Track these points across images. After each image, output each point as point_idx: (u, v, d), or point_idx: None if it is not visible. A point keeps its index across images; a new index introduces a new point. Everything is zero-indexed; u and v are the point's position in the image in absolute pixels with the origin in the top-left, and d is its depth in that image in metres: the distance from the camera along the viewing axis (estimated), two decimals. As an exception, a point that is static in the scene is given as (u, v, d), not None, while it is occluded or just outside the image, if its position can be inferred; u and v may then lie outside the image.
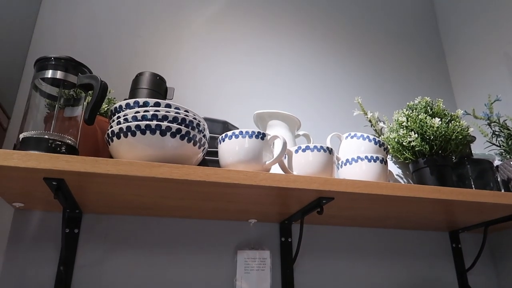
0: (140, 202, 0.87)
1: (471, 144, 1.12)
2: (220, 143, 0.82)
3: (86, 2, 1.24)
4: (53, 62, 0.74)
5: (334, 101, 1.41)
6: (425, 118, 0.98)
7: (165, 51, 1.27)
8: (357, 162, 0.89)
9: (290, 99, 1.35)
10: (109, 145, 0.74)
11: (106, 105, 0.93)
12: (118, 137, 0.72)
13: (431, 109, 1.02)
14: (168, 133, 0.71)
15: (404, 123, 1.01)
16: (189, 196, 0.83)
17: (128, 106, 0.74)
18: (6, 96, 0.98)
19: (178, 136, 0.72)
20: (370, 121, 1.18)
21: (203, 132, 0.78)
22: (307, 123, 1.21)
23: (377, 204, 0.92)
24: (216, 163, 0.86)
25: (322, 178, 0.79)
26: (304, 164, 0.84)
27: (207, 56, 1.31)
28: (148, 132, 0.70)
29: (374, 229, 1.20)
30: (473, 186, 1.02)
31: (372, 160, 0.88)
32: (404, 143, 1.00)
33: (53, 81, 0.76)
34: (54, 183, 0.69)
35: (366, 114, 1.18)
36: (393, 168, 1.10)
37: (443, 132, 0.97)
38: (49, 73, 0.73)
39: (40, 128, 0.74)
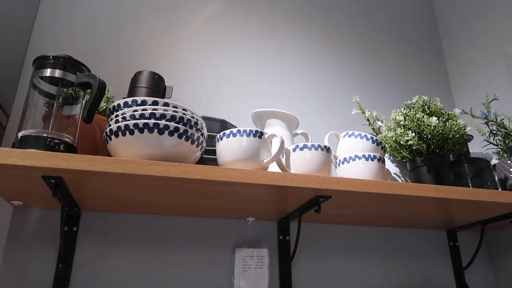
0: (138, 200, 0.88)
1: (468, 143, 1.13)
2: (218, 142, 0.83)
3: (85, 1, 1.24)
4: (52, 61, 0.74)
5: (333, 101, 1.41)
6: (423, 117, 0.99)
7: (165, 50, 1.27)
8: (355, 161, 0.89)
9: (289, 98, 1.35)
10: (107, 143, 0.75)
11: (105, 104, 0.93)
12: (116, 136, 0.72)
13: (429, 108, 1.03)
14: (166, 132, 0.72)
15: (402, 122, 1.02)
16: (187, 194, 0.83)
17: (126, 104, 0.75)
18: (5, 95, 0.98)
19: (176, 134, 0.72)
20: (368, 120, 1.19)
21: (201, 131, 0.79)
22: (305, 122, 1.22)
23: (375, 203, 0.93)
24: (214, 162, 0.86)
25: (320, 176, 0.80)
26: (302, 163, 0.84)
27: (206, 55, 1.32)
28: (146, 130, 0.71)
29: (371, 227, 1.21)
30: (470, 184, 1.03)
31: (369, 159, 0.89)
32: (401, 142, 1.01)
33: (52, 80, 0.76)
34: (52, 181, 0.69)
35: (364, 113, 1.19)
36: (391, 166, 1.11)
37: (440, 131, 0.97)
38: (48, 72, 0.74)
39: (38, 126, 0.75)
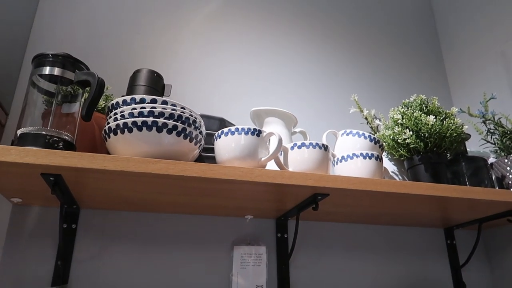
0: (137, 198, 0.88)
1: (466, 142, 1.13)
2: (216, 140, 0.83)
3: (85, 0, 1.25)
4: (51, 59, 0.74)
5: (331, 99, 1.42)
6: (420, 116, 0.99)
7: (164, 49, 1.27)
8: (353, 159, 0.90)
9: (288, 97, 1.36)
10: (106, 141, 0.75)
11: (104, 102, 0.93)
12: (115, 134, 0.72)
13: (426, 107, 1.03)
14: (165, 130, 0.72)
15: (399, 121, 1.02)
16: (186, 192, 0.84)
17: (125, 102, 0.75)
18: (4, 93, 0.99)
19: (174, 132, 0.73)
20: (366, 118, 1.19)
21: (199, 129, 0.79)
22: (304, 120, 1.22)
23: (372, 201, 0.93)
24: (213, 160, 0.86)
25: (317, 174, 0.80)
26: (300, 161, 0.85)
27: (205, 54, 1.32)
28: (144, 128, 0.71)
29: (369, 225, 1.21)
30: (467, 183, 1.03)
31: (367, 157, 0.89)
32: (399, 140, 1.01)
33: (51, 78, 0.76)
34: (51, 178, 0.69)
35: (362, 111, 1.19)
36: (388, 165, 1.11)
37: (438, 130, 0.98)
38: (47, 70, 0.74)
39: (37, 124, 0.75)
